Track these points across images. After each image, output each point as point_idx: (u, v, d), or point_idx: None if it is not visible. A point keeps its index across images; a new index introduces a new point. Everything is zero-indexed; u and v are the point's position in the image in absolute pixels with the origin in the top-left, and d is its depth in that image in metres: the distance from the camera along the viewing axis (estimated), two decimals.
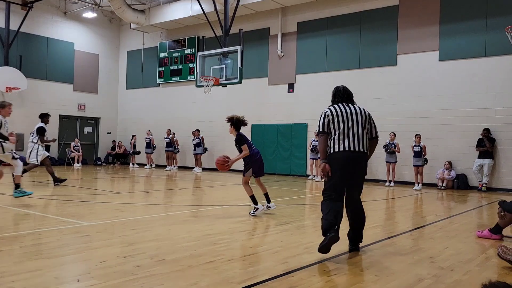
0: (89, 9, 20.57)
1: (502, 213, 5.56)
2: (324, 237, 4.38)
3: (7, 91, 18.07)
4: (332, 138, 4.63)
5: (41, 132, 10.83)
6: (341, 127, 4.61)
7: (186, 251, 4.69)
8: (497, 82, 12.78)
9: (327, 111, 4.77)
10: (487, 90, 12.94)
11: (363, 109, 4.87)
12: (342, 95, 4.93)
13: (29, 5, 18.84)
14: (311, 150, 15.32)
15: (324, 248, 4.35)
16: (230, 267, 4.08)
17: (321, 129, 4.70)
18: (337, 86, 5.07)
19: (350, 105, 4.84)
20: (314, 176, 15.35)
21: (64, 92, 20.78)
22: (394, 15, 14.71)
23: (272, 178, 15.18)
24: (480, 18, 13.12)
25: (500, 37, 11.90)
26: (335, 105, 4.83)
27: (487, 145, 12.43)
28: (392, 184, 13.60)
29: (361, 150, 4.62)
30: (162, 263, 4.15)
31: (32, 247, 4.69)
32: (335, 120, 4.65)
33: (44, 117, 11.20)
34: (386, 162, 13.74)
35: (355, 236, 4.82)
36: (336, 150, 4.58)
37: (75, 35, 21.14)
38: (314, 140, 15.42)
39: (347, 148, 4.55)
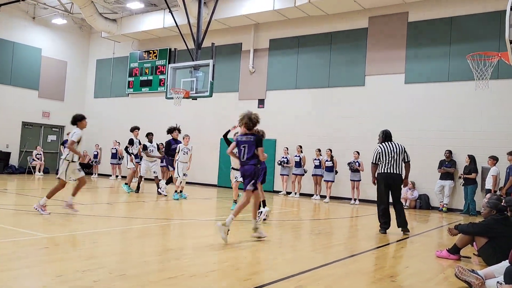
0: (59, 16, 20.16)
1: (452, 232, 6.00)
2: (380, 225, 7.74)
3: None
4: (380, 164, 7.75)
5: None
6: (385, 158, 7.71)
7: (147, 266, 4.58)
8: (458, 106, 13.30)
9: (378, 149, 7.81)
10: (449, 114, 13.44)
11: (400, 145, 7.84)
12: (387, 136, 7.94)
13: None
14: (280, 165, 15.44)
15: (382, 232, 7.69)
16: (193, 283, 4.02)
17: (374, 162, 7.84)
18: (385, 130, 8.03)
19: (391, 142, 7.85)
20: (289, 193, 15.43)
21: (29, 98, 20.16)
22: (363, 37, 15.15)
23: (239, 193, 15.11)
24: (444, 44, 13.68)
25: (462, 64, 12.43)
26: (383, 143, 7.84)
27: (449, 169, 12.85)
28: (357, 202, 13.82)
29: (396, 172, 7.71)
30: (122, 278, 4.04)
31: None
32: (382, 154, 7.76)
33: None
34: (351, 180, 13.99)
35: (403, 222, 7.71)
36: (381, 172, 7.75)
37: (43, 41, 20.63)
38: (283, 157, 15.55)
39: (387, 171, 7.70)
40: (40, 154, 19.32)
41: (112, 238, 6.00)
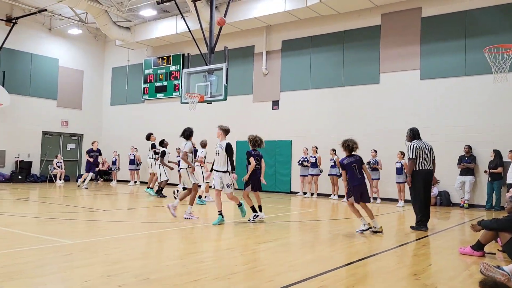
0: (75, 26, 20.53)
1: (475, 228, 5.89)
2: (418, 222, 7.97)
3: None
4: (417, 161, 7.88)
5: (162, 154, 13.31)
6: (422, 155, 7.91)
7: (170, 270, 4.64)
8: (477, 100, 13.10)
9: (416, 145, 7.96)
10: (467, 109, 13.26)
11: (428, 143, 8.17)
12: (415, 134, 8.22)
13: (13, 21, 18.72)
14: (301, 165, 15.38)
15: (424, 229, 7.87)
16: (216, 285, 4.05)
17: (412, 156, 7.91)
18: (412, 128, 8.32)
19: (421, 140, 8.16)
20: (305, 193, 15.40)
21: (48, 108, 20.56)
22: (377, 35, 15.05)
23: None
24: (459, 38, 13.51)
25: (479, 57, 12.25)
26: (417, 141, 8.09)
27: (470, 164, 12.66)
28: (378, 201, 13.70)
29: (431, 169, 8.04)
30: (146, 282, 4.11)
31: (12, 267, 4.58)
32: (421, 151, 7.90)
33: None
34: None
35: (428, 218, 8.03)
36: (419, 169, 7.90)
37: (59, 51, 21.03)
38: (302, 157, 15.49)
39: (425, 168, 7.91)
40: (61, 163, 19.67)
41: (134, 243, 6.08)
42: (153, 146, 14.75)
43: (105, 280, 4.16)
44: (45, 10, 18.49)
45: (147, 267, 4.70)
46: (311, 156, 15.35)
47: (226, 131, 8.37)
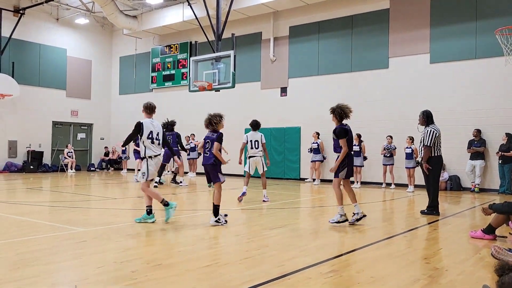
0: (82, 15, 20.53)
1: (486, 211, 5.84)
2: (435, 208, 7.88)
3: (1, 98, 17.96)
4: (434, 147, 7.74)
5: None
6: (438, 141, 7.83)
7: (182, 256, 4.70)
8: (488, 84, 12.93)
9: (435, 132, 7.75)
10: (478, 92, 13.09)
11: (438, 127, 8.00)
12: (431, 117, 7.98)
13: (21, 11, 18.77)
14: (312, 152, 15.34)
15: (436, 213, 7.86)
16: (227, 270, 4.11)
17: (430, 144, 7.70)
18: (426, 111, 8.06)
19: (435, 125, 7.96)
20: (314, 180, 15.38)
21: (57, 98, 20.70)
22: (385, 19, 14.86)
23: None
24: (470, 21, 13.28)
25: (490, 40, 12.06)
26: (433, 126, 7.85)
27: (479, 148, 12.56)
28: (392, 186, 13.63)
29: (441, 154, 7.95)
30: (158, 268, 4.17)
31: (28, 254, 4.67)
32: (438, 137, 7.81)
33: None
34: (384, 164, 13.77)
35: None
36: (436, 155, 7.79)
37: (67, 41, 21.08)
38: (313, 143, 15.41)
39: (440, 154, 7.86)
40: (71, 152, 19.86)
41: (146, 230, 6.15)
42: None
43: (118, 266, 4.23)
44: (52, 0, 18.50)
45: (159, 253, 4.76)
46: (313, 142, 15.30)
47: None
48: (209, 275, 3.95)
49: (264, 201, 9.52)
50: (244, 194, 9.60)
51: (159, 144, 6.93)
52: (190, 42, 19.41)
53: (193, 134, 18.41)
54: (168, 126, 13.56)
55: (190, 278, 3.86)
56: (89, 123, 22.09)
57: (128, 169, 20.63)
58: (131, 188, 13.12)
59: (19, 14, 18.76)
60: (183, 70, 19.89)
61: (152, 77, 21.17)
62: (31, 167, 18.95)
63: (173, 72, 20.39)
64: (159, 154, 6.97)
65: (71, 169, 19.51)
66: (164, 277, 3.89)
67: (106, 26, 22.43)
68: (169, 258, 4.58)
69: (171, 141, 12.69)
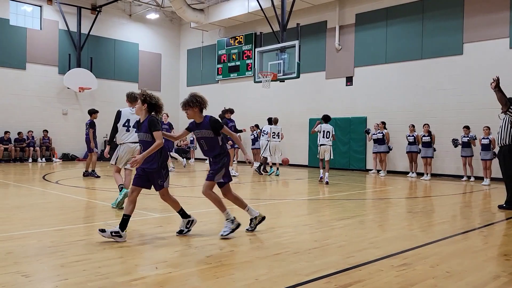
0: (152, 11, 21.44)
1: None
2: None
3: (79, 91, 19.32)
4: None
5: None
6: None
7: (252, 243, 4.85)
8: None
9: None
10: None
11: None
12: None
13: (97, 9, 19.98)
14: (377, 143, 14.98)
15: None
16: (297, 259, 4.18)
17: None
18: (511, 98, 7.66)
19: None
20: (379, 171, 15.02)
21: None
22: (459, 1, 14.03)
23: (330, 172, 15.07)
24: None
25: None
26: None
27: None
28: (472, 179, 12.91)
29: None
30: (231, 254, 4.34)
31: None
32: None
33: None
34: (462, 156, 13.06)
35: None
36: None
37: (139, 36, 22.15)
38: (374, 134, 15.06)
39: None
40: None
41: (215, 217, 6.38)
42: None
43: (193, 250, 4.47)
44: None
45: (230, 240, 4.95)
46: (379, 132, 14.87)
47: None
48: (280, 263, 4.05)
49: (327, 182, 11.29)
50: (322, 178, 11.77)
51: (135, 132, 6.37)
52: (255, 33, 19.59)
53: (257, 125, 18.65)
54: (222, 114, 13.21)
55: (261, 265, 3.98)
56: None
57: (195, 159, 21.37)
58: (199, 177, 13.60)
59: (96, 12, 19.97)
60: (248, 61, 20.14)
61: (217, 68, 21.67)
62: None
63: (238, 63, 20.73)
64: (132, 142, 7.45)
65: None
66: (237, 263, 4.05)
67: (175, 20, 23.23)
68: (240, 245, 4.74)
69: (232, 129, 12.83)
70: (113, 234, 4.69)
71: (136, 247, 4.61)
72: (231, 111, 13.21)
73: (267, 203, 8.12)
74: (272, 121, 14.14)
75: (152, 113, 5.22)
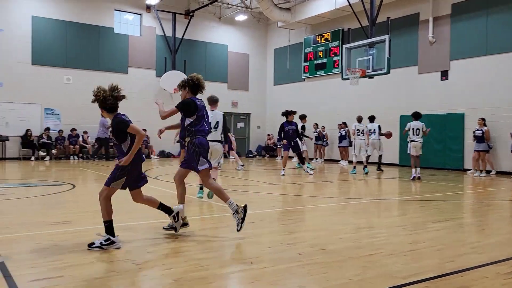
0: (241, 12, 22.06)
1: None
2: None
3: (174, 92, 20.50)
4: None
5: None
6: None
7: (344, 243, 4.83)
8: None
9: None
10: None
11: None
12: None
13: (190, 14, 21.05)
14: (476, 141, 13.91)
15: None
16: (392, 261, 4.09)
17: None
18: None
19: None
20: (478, 171, 13.94)
21: (220, 91, 22.63)
22: None
23: (424, 172, 14.35)
24: None
25: None
26: None
27: None
28: None
29: None
30: (323, 253, 4.37)
31: (209, 230, 5.34)
32: None
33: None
34: None
35: None
36: None
37: (228, 38, 22.92)
38: (477, 130, 13.95)
39: None
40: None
41: (306, 215, 6.45)
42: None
43: (285, 247, 4.57)
44: (216, 0, 20.28)
45: (321, 239, 4.97)
46: (478, 130, 13.76)
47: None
48: (374, 263, 3.99)
49: (419, 177, 11.94)
50: (414, 177, 11.98)
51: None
52: (342, 30, 19.26)
53: (344, 123, 18.35)
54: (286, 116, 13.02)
55: (354, 265, 3.96)
56: (247, 113, 23.74)
57: (282, 156, 21.57)
58: (287, 176, 13.75)
59: (189, 17, 21.05)
60: (335, 58, 19.86)
61: (304, 66, 21.65)
62: None
63: (324, 60, 20.53)
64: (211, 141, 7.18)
65: (232, 156, 21.24)
66: (329, 261, 4.06)
67: (262, 20, 23.66)
68: (331, 244, 4.74)
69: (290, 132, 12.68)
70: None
71: (231, 241, 4.83)
72: (294, 113, 12.94)
73: (355, 202, 7.99)
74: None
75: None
